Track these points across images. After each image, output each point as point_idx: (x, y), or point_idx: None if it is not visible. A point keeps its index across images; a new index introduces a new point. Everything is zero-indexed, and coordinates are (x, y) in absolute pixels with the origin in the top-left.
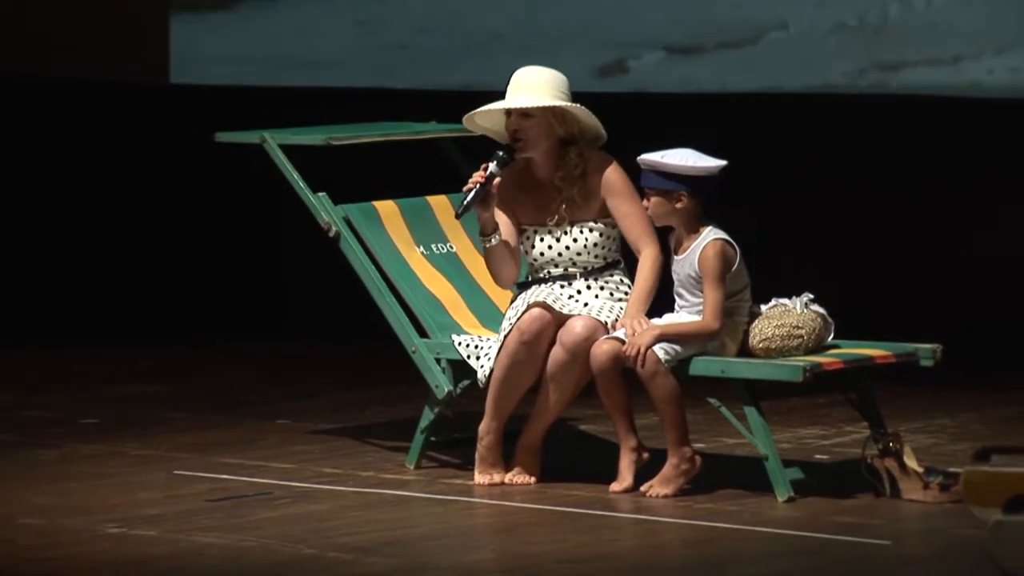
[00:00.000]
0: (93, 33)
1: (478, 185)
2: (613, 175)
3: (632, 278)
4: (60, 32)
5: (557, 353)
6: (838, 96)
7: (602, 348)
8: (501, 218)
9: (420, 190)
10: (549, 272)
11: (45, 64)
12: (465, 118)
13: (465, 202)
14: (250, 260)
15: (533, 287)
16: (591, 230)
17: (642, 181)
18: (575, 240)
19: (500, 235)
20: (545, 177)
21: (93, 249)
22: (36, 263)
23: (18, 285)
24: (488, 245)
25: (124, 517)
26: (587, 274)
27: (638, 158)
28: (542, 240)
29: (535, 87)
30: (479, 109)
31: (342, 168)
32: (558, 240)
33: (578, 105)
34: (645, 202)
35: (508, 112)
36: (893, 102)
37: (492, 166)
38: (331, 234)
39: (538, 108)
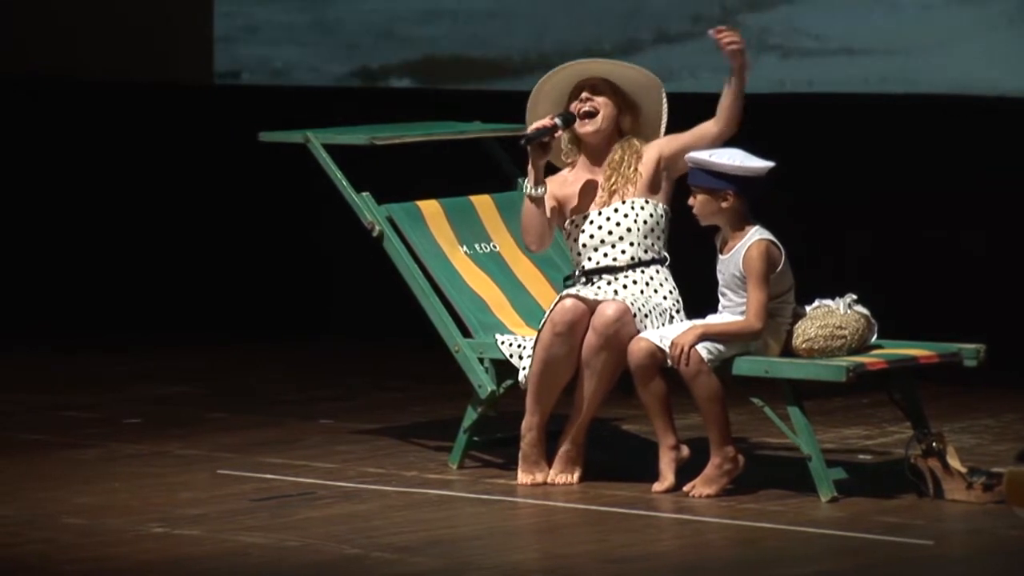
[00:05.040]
0: (136, 35)
1: (544, 127)
2: (651, 145)
3: (677, 279)
4: (103, 34)
5: (589, 338)
6: (880, 96)
7: (639, 345)
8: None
9: (463, 190)
10: (597, 262)
11: (88, 67)
12: (535, 91)
13: (527, 134)
14: (291, 259)
15: (577, 284)
16: (643, 207)
17: (689, 179)
18: (626, 216)
19: (545, 190)
20: (594, 165)
21: (136, 249)
22: (79, 264)
23: (57, 286)
24: (534, 194)
25: (167, 517)
26: (633, 266)
27: (686, 156)
28: (591, 223)
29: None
30: (561, 68)
31: (385, 168)
32: (608, 219)
33: (658, 81)
34: (691, 200)
35: (578, 93)
36: (940, 103)
37: (557, 120)
38: (375, 234)
39: (610, 88)
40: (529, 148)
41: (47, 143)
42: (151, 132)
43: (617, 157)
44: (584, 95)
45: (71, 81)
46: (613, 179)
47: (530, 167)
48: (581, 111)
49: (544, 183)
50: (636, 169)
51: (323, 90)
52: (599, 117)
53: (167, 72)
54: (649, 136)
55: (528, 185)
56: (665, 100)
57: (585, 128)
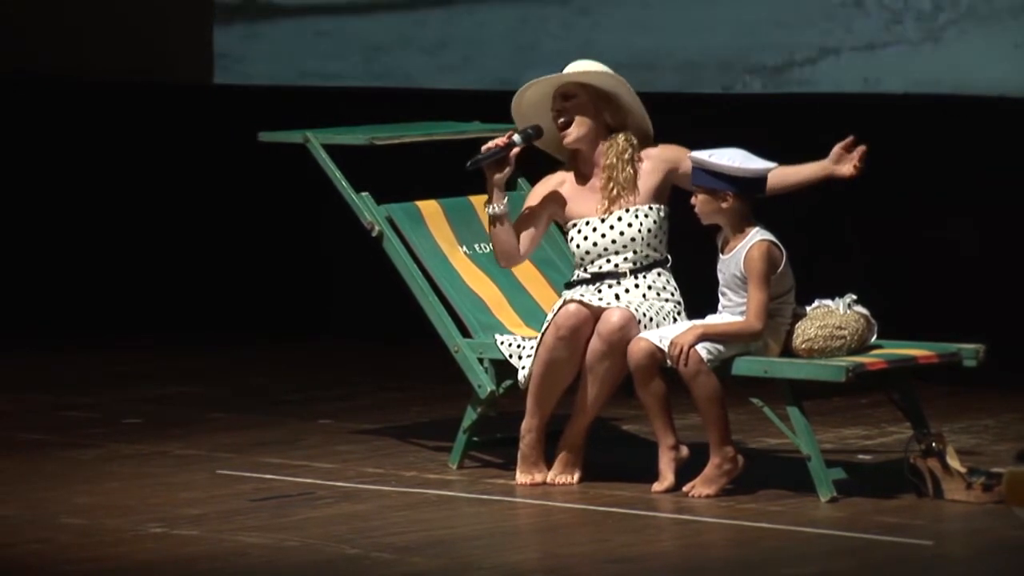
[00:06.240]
0: (136, 35)
1: (497, 148)
2: (664, 149)
3: (677, 279)
4: (103, 34)
5: (594, 344)
6: (880, 96)
7: (639, 345)
8: (530, 223)
9: (463, 190)
10: (600, 267)
11: (88, 67)
12: (515, 113)
13: (476, 158)
14: (291, 260)
15: (579, 287)
16: (646, 215)
17: (691, 178)
18: (630, 225)
19: (505, 205)
20: (592, 168)
21: (134, 249)
22: (77, 264)
23: (57, 286)
24: (491, 211)
25: (166, 517)
26: (635, 271)
27: (688, 155)
28: (595, 230)
29: (585, 70)
30: (522, 89)
31: (385, 168)
32: (612, 228)
33: (623, 81)
34: (693, 199)
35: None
36: (939, 103)
37: (517, 136)
38: (374, 234)
39: (577, 87)
40: (483, 167)
41: (47, 143)
42: (151, 132)
43: (608, 163)
44: (553, 109)
45: (71, 81)
46: (611, 187)
47: (488, 186)
48: (559, 123)
49: (503, 201)
50: (630, 172)
51: (323, 90)
52: (574, 125)
53: (167, 72)
54: (639, 125)
55: (489, 206)
56: (627, 84)
57: (567, 139)
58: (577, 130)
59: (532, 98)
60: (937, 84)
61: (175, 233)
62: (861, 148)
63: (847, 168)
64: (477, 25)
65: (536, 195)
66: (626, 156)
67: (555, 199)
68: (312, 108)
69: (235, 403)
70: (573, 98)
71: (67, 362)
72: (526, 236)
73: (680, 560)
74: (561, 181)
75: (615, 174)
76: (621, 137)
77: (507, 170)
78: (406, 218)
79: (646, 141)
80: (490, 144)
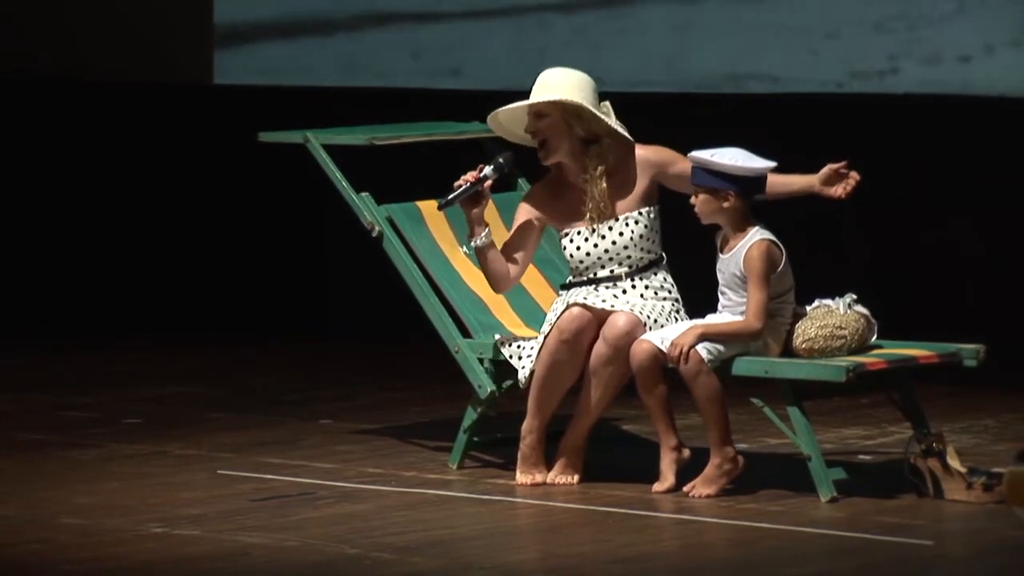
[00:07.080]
0: (136, 35)
1: (467, 183)
2: (649, 152)
3: (676, 279)
4: (103, 34)
5: (599, 348)
6: (880, 96)
7: (642, 347)
8: (518, 245)
9: None
10: (595, 274)
11: (88, 67)
12: (492, 126)
13: (449, 196)
14: (292, 260)
15: (576, 288)
16: (636, 222)
17: (692, 178)
18: (621, 234)
19: (487, 236)
20: (578, 178)
21: (134, 249)
22: (79, 264)
23: (57, 286)
24: (474, 244)
25: (167, 517)
26: (632, 273)
27: (688, 155)
28: (587, 240)
29: (551, 88)
30: (494, 113)
31: (385, 168)
32: (603, 237)
33: (582, 103)
34: (693, 199)
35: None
36: (940, 103)
37: (488, 169)
38: (374, 234)
39: (549, 106)
40: (459, 204)
41: (47, 143)
42: (151, 132)
43: (584, 178)
44: (527, 130)
45: (71, 81)
46: (588, 203)
47: (467, 221)
48: (536, 143)
49: (484, 232)
50: (604, 186)
51: (323, 90)
52: (549, 145)
53: (167, 72)
54: (614, 131)
55: (471, 240)
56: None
57: (543, 161)
58: (551, 150)
59: (508, 115)
60: (937, 84)
61: (175, 233)
62: (855, 176)
63: (836, 191)
64: (480, 32)
65: (523, 213)
66: (597, 172)
67: (544, 213)
68: (312, 108)
69: (235, 403)
70: (545, 117)
71: (67, 362)
72: (517, 258)
73: (681, 560)
74: (548, 191)
75: (590, 189)
76: (593, 152)
77: (483, 203)
78: (406, 218)
79: (626, 145)
80: (461, 180)
